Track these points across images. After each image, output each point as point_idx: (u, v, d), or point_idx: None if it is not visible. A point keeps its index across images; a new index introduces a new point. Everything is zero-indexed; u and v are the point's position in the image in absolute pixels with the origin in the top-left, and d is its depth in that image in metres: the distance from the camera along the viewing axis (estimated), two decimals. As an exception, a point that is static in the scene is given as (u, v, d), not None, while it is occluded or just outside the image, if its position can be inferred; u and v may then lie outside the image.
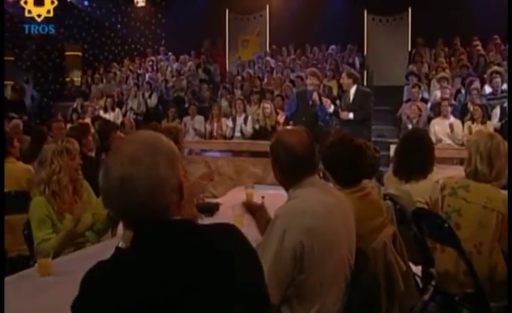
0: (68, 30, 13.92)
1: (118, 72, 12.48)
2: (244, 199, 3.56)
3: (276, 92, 9.35)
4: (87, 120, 9.46)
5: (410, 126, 7.21)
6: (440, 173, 3.46)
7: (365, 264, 1.93)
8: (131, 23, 14.48)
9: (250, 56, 12.80)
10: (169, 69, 12.18)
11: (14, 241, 3.40)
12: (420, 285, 2.84)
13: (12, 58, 12.91)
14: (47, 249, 2.43)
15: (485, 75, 8.58)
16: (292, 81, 9.64)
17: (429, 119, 7.57)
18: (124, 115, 9.88)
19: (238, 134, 8.48)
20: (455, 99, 8.13)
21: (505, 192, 2.75)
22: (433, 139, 6.30)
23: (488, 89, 8.15)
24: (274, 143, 1.99)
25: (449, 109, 7.12)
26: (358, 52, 11.92)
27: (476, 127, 6.84)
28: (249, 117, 8.56)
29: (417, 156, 3.18)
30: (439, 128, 7.06)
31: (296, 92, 7.19)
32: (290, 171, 1.91)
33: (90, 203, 3.00)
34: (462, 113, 7.58)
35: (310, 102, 6.40)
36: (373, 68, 12.08)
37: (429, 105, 8.20)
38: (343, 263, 1.86)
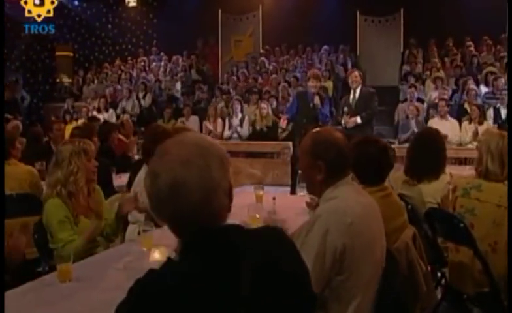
0: (58, 30, 13.72)
1: (110, 73, 12.37)
2: (254, 200, 3.58)
3: (272, 93, 9.35)
4: (81, 121, 9.37)
5: (411, 126, 7.25)
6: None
7: (395, 265, 1.92)
8: (122, 23, 14.34)
9: (243, 56, 12.78)
10: (161, 69, 12.10)
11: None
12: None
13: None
14: (73, 250, 2.40)
15: (479, 76, 8.69)
16: (287, 82, 9.64)
17: (426, 119, 7.63)
18: (118, 116, 9.79)
19: (234, 134, 8.45)
20: (451, 99, 8.20)
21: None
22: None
23: (483, 89, 8.25)
24: (317, 140, 1.91)
25: (447, 109, 7.18)
26: (351, 52, 11.98)
27: (473, 127, 6.90)
28: (246, 118, 8.54)
29: (430, 156, 3.20)
30: (437, 128, 7.09)
31: (296, 94, 7.16)
32: (336, 168, 1.86)
33: (102, 206, 2.96)
34: (458, 113, 7.66)
35: (311, 105, 6.39)
36: (366, 68, 12.11)
37: (425, 105, 8.27)
38: (378, 265, 1.85)
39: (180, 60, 12.17)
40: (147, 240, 2.57)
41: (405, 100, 8.42)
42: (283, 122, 6.71)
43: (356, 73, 6.37)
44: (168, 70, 12.00)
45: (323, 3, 12.25)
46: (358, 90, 6.19)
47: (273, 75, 10.38)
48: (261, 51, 12.42)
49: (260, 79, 10.59)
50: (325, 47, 11.63)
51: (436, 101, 7.77)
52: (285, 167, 7.54)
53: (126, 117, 8.75)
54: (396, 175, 3.48)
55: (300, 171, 2.17)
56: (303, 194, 3.90)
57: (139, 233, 3.24)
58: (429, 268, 2.97)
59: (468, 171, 5.17)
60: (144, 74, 11.91)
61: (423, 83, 9.06)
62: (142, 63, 12.48)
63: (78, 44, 14.01)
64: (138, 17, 14.26)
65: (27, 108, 12.30)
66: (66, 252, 2.47)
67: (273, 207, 3.33)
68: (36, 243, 2.92)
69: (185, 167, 1.09)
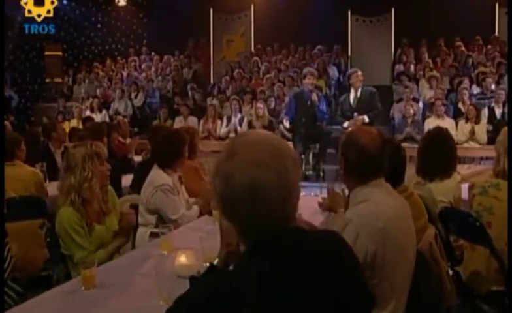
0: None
1: (100, 72, 12.22)
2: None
3: (267, 93, 9.33)
4: (74, 121, 9.24)
5: (407, 126, 7.29)
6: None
7: (427, 266, 1.91)
8: (112, 23, 14.16)
9: (235, 56, 12.74)
10: (153, 69, 11.99)
11: (22, 249, 3.26)
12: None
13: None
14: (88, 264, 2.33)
15: (472, 75, 8.79)
16: (282, 81, 9.63)
17: (423, 119, 7.68)
18: (111, 117, 9.67)
19: (232, 134, 8.41)
20: (446, 99, 8.28)
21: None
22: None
23: (476, 89, 8.35)
24: (345, 141, 1.95)
25: (443, 108, 7.25)
26: (343, 52, 12.03)
27: (469, 126, 6.98)
28: (245, 118, 8.51)
29: (442, 154, 3.21)
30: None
31: (292, 95, 7.16)
32: (359, 171, 1.86)
33: (115, 209, 2.90)
34: (454, 112, 7.73)
35: (309, 103, 6.39)
36: (358, 68, 12.17)
37: (420, 104, 8.34)
38: (411, 267, 1.84)
39: (172, 60, 12.08)
40: (167, 244, 2.53)
41: (400, 99, 8.47)
42: (285, 123, 6.71)
43: (359, 73, 6.39)
44: (159, 69, 11.89)
45: (315, 3, 12.26)
46: (359, 90, 6.20)
47: (267, 75, 10.36)
48: (253, 50, 12.40)
49: (253, 79, 10.56)
50: (319, 47, 11.64)
51: (432, 100, 7.83)
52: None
53: (120, 117, 8.62)
54: (407, 175, 3.49)
55: None
56: (304, 194, 3.90)
57: (150, 236, 3.21)
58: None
59: (466, 170, 5.23)
60: (136, 73, 11.78)
61: (417, 83, 9.12)
62: (133, 63, 12.35)
63: (66, 43, 13.80)
64: (128, 16, 14.09)
65: (15, 108, 12.08)
66: (82, 264, 2.44)
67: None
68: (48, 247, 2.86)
69: (262, 168, 1.06)
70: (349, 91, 6.46)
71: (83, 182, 2.59)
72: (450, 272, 3.31)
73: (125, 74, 11.98)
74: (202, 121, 8.67)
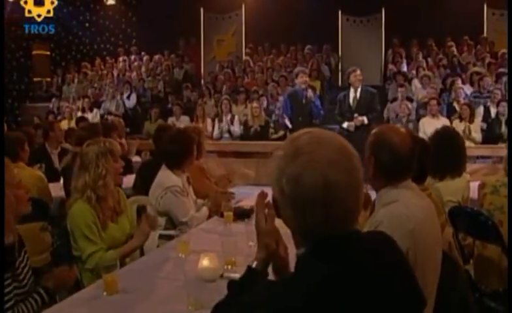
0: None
1: (89, 72, 12.06)
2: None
3: (260, 92, 9.31)
4: (65, 121, 9.09)
5: (402, 125, 7.32)
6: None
7: (454, 266, 1.91)
8: (100, 22, 13.99)
9: (225, 56, 12.68)
10: (143, 69, 11.88)
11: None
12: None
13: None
14: (103, 262, 2.28)
15: (463, 76, 8.89)
16: (275, 81, 9.63)
17: (417, 119, 7.74)
18: (102, 117, 9.55)
19: (225, 134, 8.38)
20: (440, 98, 8.34)
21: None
22: (425, 138, 6.43)
23: (468, 89, 8.45)
24: (375, 141, 1.89)
25: (438, 108, 7.31)
26: (334, 52, 12.07)
27: (463, 126, 7.05)
28: (236, 117, 8.48)
29: (452, 153, 3.23)
30: (429, 127, 7.22)
31: (287, 95, 7.13)
32: (389, 171, 1.84)
33: (127, 210, 2.85)
34: (448, 112, 7.81)
35: (304, 101, 6.37)
36: (348, 67, 12.22)
37: (414, 104, 8.40)
38: (439, 266, 1.84)
39: (163, 60, 11.98)
40: (185, 246, 2.49)
41: (395, 99, 8.53)
42: (287, 122, 6.69)
43: (358, 71, 6.35)
44: (149, 69, 11.79)
45: (305, 2, 12.27)
46: (359, 90, 6.18)
47: (259, 75, 10.34)
48: (245, 50, 12.36)
49: (246, 79, 10.53)
50: (308, 46, 11.66)
51: (425, 100, 7.90)
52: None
53: (115, 117, 8.50)
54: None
55: None
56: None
57: (159, 238, 3.16)
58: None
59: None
60: (128, 73, 11.66)
61: (409, 83, 9.20)
62: (123, 63, 12.21)
63: (54, 42, 13.58)
64: (117, 15, 13.95)
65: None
66: (90, 263, 2.44)
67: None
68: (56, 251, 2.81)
69: (334, 167, 1.03)
70: (348, 91, 6.43)
71: (97, 179, 2.56)
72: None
73: (115, 73, 11.83)
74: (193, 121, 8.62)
